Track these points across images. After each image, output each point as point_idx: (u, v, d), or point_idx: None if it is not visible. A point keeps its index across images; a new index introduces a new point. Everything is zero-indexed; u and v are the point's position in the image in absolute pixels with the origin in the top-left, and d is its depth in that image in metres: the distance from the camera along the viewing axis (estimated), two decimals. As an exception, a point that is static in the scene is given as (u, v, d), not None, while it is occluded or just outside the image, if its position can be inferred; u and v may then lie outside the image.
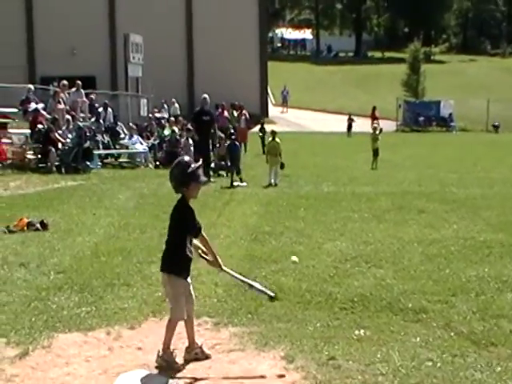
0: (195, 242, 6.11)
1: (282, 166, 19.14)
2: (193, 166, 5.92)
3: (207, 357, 6.05)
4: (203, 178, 6.10)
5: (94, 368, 5.86)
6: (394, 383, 5.42)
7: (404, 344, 6.28)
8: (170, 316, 6.02)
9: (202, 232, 6.14)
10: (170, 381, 5.58)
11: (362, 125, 43.79)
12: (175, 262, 5.96)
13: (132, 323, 6.91)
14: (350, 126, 45.71)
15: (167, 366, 5.84)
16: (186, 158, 6.13)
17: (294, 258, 6.49)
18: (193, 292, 6.15)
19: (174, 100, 35.72)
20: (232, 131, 24.08)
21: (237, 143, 21.56)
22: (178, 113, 33.31)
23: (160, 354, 5.90)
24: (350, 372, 5.65)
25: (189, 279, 6.08)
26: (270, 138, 19.94)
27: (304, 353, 6.09)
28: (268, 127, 30.54)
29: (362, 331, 6.64)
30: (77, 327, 6.81)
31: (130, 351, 6.26)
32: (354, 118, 46.48)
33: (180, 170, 5.92)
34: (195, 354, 6.05)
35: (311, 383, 5.43)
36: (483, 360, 5.89)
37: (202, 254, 6.26)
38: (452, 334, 6.55)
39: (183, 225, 5.92)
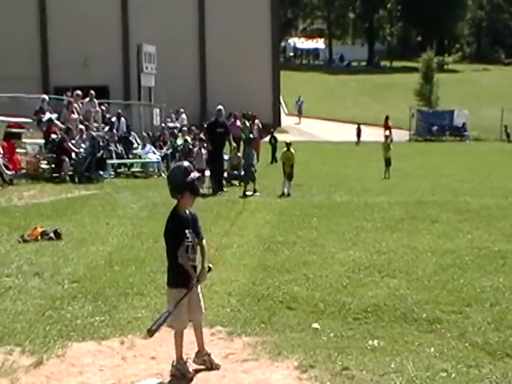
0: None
1: (290, 177, 19.00)
2: (192, 175, 5.86)
3: (214, 367, 6.02)
4: (200, 191, 6.00)
5: (108, 377, 5.88)
6: (409, 394, 5.39)
7: (418, 354, 6.25)
8: (172, 327, 6.02)
9: (203, 242, 6.06)
10: (184, 390, 5.58)
11: (376, 134, 43.72)
12: (170, 274, 5.97)
13: (145, 333, 6.90)
14: (358, 135, 45.82)
15: (181, 375, 5.85)
16: (186, 164, 6.06)
17: (316, 326, 6.52)
18: (201, 299, 6.11)
19: (182, 110, 35.61)
20: (251, 136, 24.05)
21: (253, 150, 21.58)
22: (185, 123, 33.18)
23: (174, 363, 5.91)
24: (363, 382, 5.64)
25: (198, 288, 6.02)
26: (285, 149, 19.91)
27: (318, 363, 6.08)
28: (280, 137, 30.56)
29: (375, 341, 6.62)
30: (91, 336, 6.84)
31: (143, 360, 6.27)
32: (362, 127, 46.67)
33: (178, 176, 5.88)
34: (203, 360, 6.06)
35: (325, 393, 5.41)
36: (498, 371, 5.85)
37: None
38: (467, 344, 6.52)
39: (172, 234, 5.88)
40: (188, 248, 5.88)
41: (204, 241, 6.07)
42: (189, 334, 6.91)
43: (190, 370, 5.93)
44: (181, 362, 5.91)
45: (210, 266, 6.14)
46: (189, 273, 5.88)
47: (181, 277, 5.87)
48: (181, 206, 5.91)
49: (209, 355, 6.07)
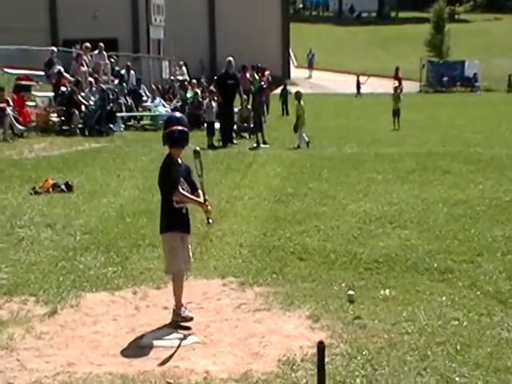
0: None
1: (295, 128, 18.77)
2: (173, 128, 5.83)
3: (185, 319, 5.96)
4: (182, 144, 5.89)
5: (122, 326, 5.94)
6: (420, 342, 5.42)
7: (430, 303, 6.28)
8: (169, 272, 6.05)
9: (199, 192, 6.04)
10: (197, 339, 5.63)
11: (386, 86, 43.32)
12: (164, 219, 5.99)
13: (158, 283, 6.97)
14: (358, 87, 45.34)
15: (181, 320, 5.89)
16: (172, 115, 6.12)
17: (351, 292, 6.51)
18: (190, 252, 6.13)
19: (181, 63, 35.03)
20: (261, 85, 23.83)
21: (263, 98, 21.39)
22: (187, 77, 32.69)
23: (174, 308, 5.96)
24: (375, 331, 5.66)
25: (188, 236, 6.05)
26: (296, 102, 19.58)
27: (329, 312, 6.12)
28: (292, 89, 30.26)
29: (387, 291, 6.65)
30: (104, 287, 6.90)
31: (156, 310, 6.33)
32: (362, 78, 46.21)
33: (164, 127, 5.97)
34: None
35: (337, 342, 5.44)
36: (510, 319, 5.88)
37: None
38: (478, 293, 6.55)
39: (166, 180, 5.89)
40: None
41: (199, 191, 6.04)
42: (201, 284, 7.01)
43: (191, 315, 5.95)
44: (181, 308, 5.94)
45: (210, 220, 6.11)
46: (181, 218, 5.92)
47: (174, 220, 5.92)
48: (172, 155, 5.94)
49: (185, 307, 6.08)
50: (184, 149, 5.97)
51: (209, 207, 6.01)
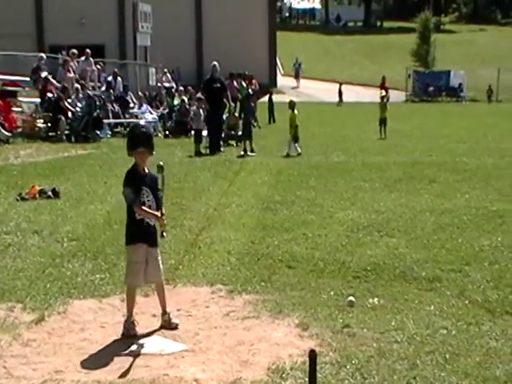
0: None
1: (295, 137, 18.77)
2: (139, 130, 5.94)
3: (171, 326, 5.99)
4: (148, 145, 5.85)
5: (110, 334, 5.90)
6: (409, 351, 5.42)
7: (418, 312, 6.29)
8: (127, 283, 6.04)
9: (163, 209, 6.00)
10: (185, 347, 5.60)
11: (373, 95, 43.48)
12: (127, 231, 5.98)
13: (146, 291, 6.90)
14: (340, 95, 45.50)
15: (126, 332, 5.86)
16: (141, 123, 6.19)
17: (351, 298, 6.50)
18: (160, 261, 6.06)
19: (165, 70, 34.95)
20: (249, 91, 23.84)
21: (252, 104, 21.38)
22: (173, 84, 32.54)
23: (125, 319, 5.94)
24: (364, 340, 5.66)
25: (156, 249, 5.99)
26: (290, 111, 19.42)
27: (319, 320, 6.11)
28: (277, 97, 30.28)
29: (375, 299, 6.65)
30: (91, 294, 6.86)
31: (144, 318, 6.28)
32: (359, 87, 46.40)
33: (128, 135, 6.08)
34: (164, 320, 6.08)
35: (327, 350, 5.43)
36: (498, 328, 5.90)
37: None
38: (466, 302, 6.56)
39: (125, 193, 5.85)
40: (145, 206, 5.83)
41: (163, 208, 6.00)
42: (191, 292, 6.98)
43: (137, 329, 5.90)
44: (128, 321, 5.89)
45: (164, 233, 6.06)
46: (150, 220, 5.89)
47: (138, 232, 5.88)
48: (137, 165, 5.91)
49: (168, 314, 6.09)
50: (151, 154, 5.90)
51: (164, 221, 5.95)
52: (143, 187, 5.83)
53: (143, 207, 5.81)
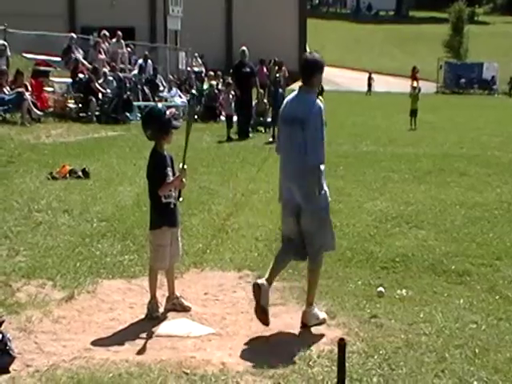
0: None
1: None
2: (166, 115, 5.93)
3: (185, 309, 6.04)
4: (171, 127, 5.94)
5: (138, 314, 5.93)
6: (438, 343, 5.38)
7: (447, 305, 6.24)
8: (155, 268, 6.03)
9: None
10: (212, 330, 5.62)
11: (402, 85, 43.22)
12: (152, 216, 5.99)
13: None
14: (369, 85, 45.23)
15: (149, 313, 5.89)
16: (157, 107, 6.24)
17: (381, 289, 6.44)
18: (180, 243, 6.12)
19: (196, 54, 34.97)
20: (277, 77, 23.68)
21: (281, 90, 21.33)
22: (203, 69, 32.57)
23: (148, 301, 5.97)
24: (392, 330, 5.62)
25: (178, 229, 6.04)
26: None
27: (346, 310, 6.09)
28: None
29: (404, 291, 6.61)
30: (120, 274, 6.90)
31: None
32: (374, 76, 46.14)
33: (146, 120, 6.10)
34: (173, 304, 6.09)
35: (354, 340, 5.41)
36: (529, 324, 5.84)
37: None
38: (497, 297, 6.48)
39: (156, 172, 5.87)
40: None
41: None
42: (218, 276, 6.99)
43: (160, 311, 5.94)
44: (152, 302, 5.93)
45: (181, 198, 6.08)
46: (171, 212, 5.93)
47: (164, 216, 5.90)
48: (159, 148, 5.95)
49: (178, 298, 6.10)
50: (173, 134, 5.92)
51: (183, 180, 5.92)
52: (167, 168, 5.89)
53: (166, 182, 5.83)
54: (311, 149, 5.65)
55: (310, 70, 5.82)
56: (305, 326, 5.74)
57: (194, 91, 5.74)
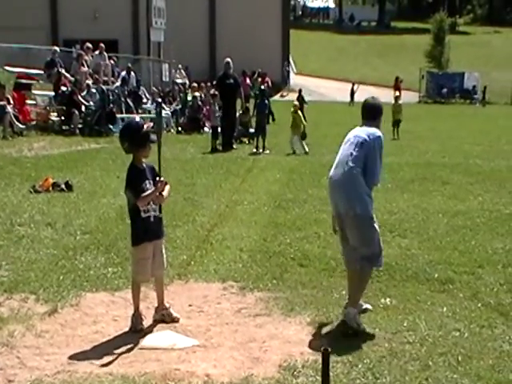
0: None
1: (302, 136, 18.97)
2: (142, 130, 5.87)
3: (174, 320, 6.04)
4: (149, 141, 5.91)
5: (122, 327, 5.92)
6: (422, 352, 5.41)
7: (430, 314, 6.27)
8: (138, 281, 6.04)
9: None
10: (196, 342, 5.61)
11: (385, 95, 43.35)
12: (133, 231, 5.97)
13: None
14: (352, 94, 45.41)
15: (133, 326, 5.87)
16: (136, 120, 6.18)
17: (368, 306, 6.45)
18: (164, 254, 6.12)
19: (179, 66, 34.99)
20: (262, 88, 23.73)
21: (266, 102, 21.34)
22: (186, 81, 32.64)
23: (132, 314, 5.96)
24: (376, 339, 5.65)
25: (161, 241, 6.04)
26: (292, 109, 19.63)
27: (330, 319, 6.10)
28: (290, 97, 30.19)
29: (387, 300, 6.64)
30: (104, 287, 6.88)
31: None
32: (370, 87, 46.33)
33: (123, 134, 6.03)
34: (162, 315, 6.09)
35: (338, 349, 5.40)
36: (511, 331, 5.86)
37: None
38: (479, 305, 6.53)
39: (132, 186, 5.85)
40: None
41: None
42: (202, 288, 6.99)
43: (144, 323, 5.92)
44: (136, 315, 5.92)
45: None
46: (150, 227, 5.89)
47: (144, 231, 5.88)
48: (136, 161, 5.91)
49: (167, 309, 6.10)
50: (151, 148, 5.91)
51: (163, 193, 5.91)
52: (145, 182, 5.85)
53: (142, 195, 5.78)
54: None
55: (373, 113, 6.26)
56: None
57: (159, 99, 5.75)
